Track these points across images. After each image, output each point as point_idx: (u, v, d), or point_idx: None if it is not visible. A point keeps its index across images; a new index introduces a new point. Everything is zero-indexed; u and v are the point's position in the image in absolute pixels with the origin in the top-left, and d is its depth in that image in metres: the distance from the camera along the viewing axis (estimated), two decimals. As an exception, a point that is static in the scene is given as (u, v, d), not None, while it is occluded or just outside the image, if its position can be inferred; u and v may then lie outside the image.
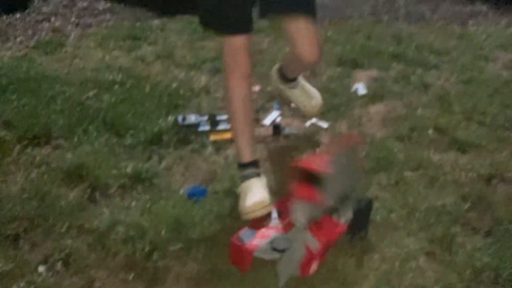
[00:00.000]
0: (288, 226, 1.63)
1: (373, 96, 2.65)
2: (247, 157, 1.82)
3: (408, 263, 1.61)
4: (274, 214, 1.70)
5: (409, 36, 3.40)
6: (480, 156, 2.18)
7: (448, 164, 2.11)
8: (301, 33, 1.77)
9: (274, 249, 1.54)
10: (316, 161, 1.62)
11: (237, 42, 1.71)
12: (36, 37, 3.24)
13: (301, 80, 2.29)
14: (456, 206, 1.86)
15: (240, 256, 1.55)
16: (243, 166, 1.82)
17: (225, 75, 1.79)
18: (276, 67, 2.30)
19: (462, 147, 2.22)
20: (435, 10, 4.09)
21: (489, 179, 2.03)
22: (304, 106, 2.29)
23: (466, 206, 1.87)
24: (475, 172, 2.06)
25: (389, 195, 1.92)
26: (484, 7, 4.11)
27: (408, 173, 2.04)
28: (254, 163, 1.83)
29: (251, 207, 1.69)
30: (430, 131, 2.33)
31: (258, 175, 1.81)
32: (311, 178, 1.54)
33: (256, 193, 1.73)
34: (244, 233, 1.61)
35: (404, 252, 1.65)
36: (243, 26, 1.75)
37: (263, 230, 1.62)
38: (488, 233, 1.74)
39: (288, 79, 2.24)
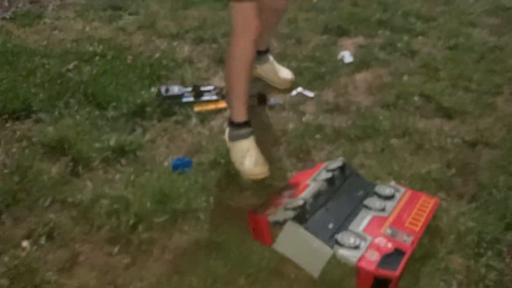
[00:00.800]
0: (301, 191, 1.62)
1: (360, 64, 2.62)
2: (243, 116, 1.87)
3: (393, 230, 1.61)
4: (288, 187, 1.70)
5: (395, 2, 3.35)
6: (465, 122, 2.17)
7: (433, 130, 2.10)
8: None
9: (287, 209, 1.51)
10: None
11: (249, 7, 1.71)
12: (12, 9, 3.14)
13: (270, 56, 2.36)
14: (441, 172, 1.87)
15: (258, 227, 1.54)
16: (238, 125, 1.87)
17: (233, 36, 1.79)
18: None
19: (447, 114, 2.22)
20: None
21: (474, 145, 2.04)
22: (274, 80, 2.36)
23: (451, 172, 1.87)
24: (460, 138, 2.06)
25: (375, 162, 1.91)
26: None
27: (394, 141, 2.03)
28: (248, 123, 1.88)
29: (256, 170, 1.77)
30: (416, 98, 2.32)
31: (252, 133, 1.87)
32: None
33: (257, 156, 1.81)
34: (260, 206, 1.61)
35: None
36: None
37: (276, 201, 1.61)
38: (472, 198, 1.75)
39: (259, 52, 2.20)
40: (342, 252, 1.42)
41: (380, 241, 1.46)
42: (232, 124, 1.89)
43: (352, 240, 1.45)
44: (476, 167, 1.92)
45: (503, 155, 1.97)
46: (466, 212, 1.68)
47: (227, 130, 1.94)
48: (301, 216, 1.49)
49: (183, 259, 1.51)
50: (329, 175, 1.65)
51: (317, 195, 1.56)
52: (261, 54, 2.29)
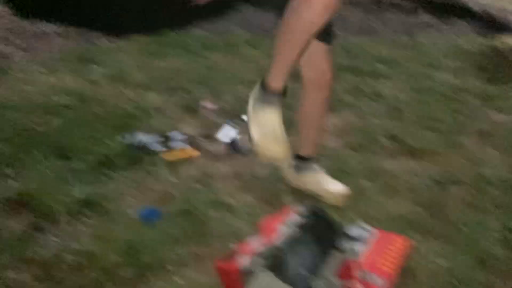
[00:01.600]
0: (271, 236, 1.56)
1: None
2: (279, 83, 1.56)
3: None
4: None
5: (359, 47, 3.46)
6: (433, 162, 2.21)
7: (402, 171, 2.12)
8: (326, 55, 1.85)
9: (259, 258, 1.45)
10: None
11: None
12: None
13: (315, 165, 2.02)
14: (411, 212, 1.87)
15: (229, 278, 1.48)
16: (271, 90, 1.56)
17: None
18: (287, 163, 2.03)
19: (415, 154, 2.25)
20: (385, 22, 4.20)
21: (442, 183, 2.06)
22: (326, 192, 1.95)
23: (421, 211, 1.88)
24: (429, 178, 2.08)
25: (345, 204, 1.91)
26: (429, 18, 4.24)
27: (363, 182, 2.04)
28: (284, 94, 1.59)
29: (274, 147, 1.54)
30: (384, 140, 2.35)
31: (280, 106, 1.58)
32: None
33: (281, 132, 1.55)
34: (228, 254, 1.55)
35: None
36: None
37: (246, 248, 1.54)
38: (442, 236, 1.75)
39: (304, 158, 1.99)
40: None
41: (353, 285, 1.43)
42: (264, 87, 1.57)
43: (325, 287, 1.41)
44: (445, 205, 1.93)
45: (470, 192, 1.99)
46: (437, 251, 1.68)
47: (254, 93, 1.62)
48: (273, 264, 1.45)
49: (151, 314, 1.45)
50: (300, 220, 1.63)
51: (288, 241, 1.53)
52: (303, 161, 1.99)
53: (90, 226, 1.78)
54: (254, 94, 1.63)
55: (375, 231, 1.68)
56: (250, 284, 1.44)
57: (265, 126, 1.56)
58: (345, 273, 1.47)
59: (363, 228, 1.68)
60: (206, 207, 1.86)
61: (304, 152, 1.99)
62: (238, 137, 2.36)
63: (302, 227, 1.61)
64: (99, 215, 1.83)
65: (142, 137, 2.24)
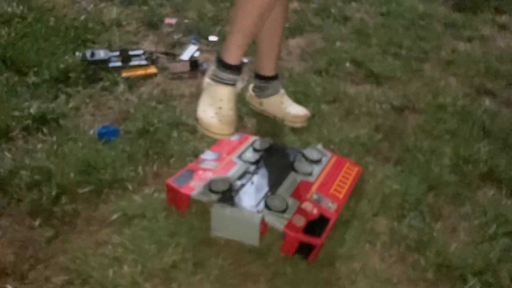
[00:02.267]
0: (225, 168, 1.59)
1: (293, 29, 2.61)
2: (235, 59, 1.57)
3: (321, 194, 1.64)
4: (211, 155, 1.65)
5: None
6: (394, 88, 2.23)
7: (363, 96, 2.14)
8: None
9: (211, 191, 1.49)
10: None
11: None
12: None
13: (282, 89, 1.96)
14: (369, 137, 1.91)
15: (177, 198, 1.50)
16: (225, 66, 1.57)
17: None
18: (251, 85, 2.01)
19: (377, 79, 2.26)
20: None
21: (401, 110, 2.09)
22: (284, 117, 1.92)
23: (378, 137, 1.92)
24: (389, 104, 2.11)
25: (305, 128, 1.92)
26: None
27: (324, 106, 2.05)
28: (238, 69, 1.60)
29: (215, 126, 1.51)
30: (348, 64, 2.34)
31: (235, 85, 1.61)
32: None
33: (227, 112, 1.54)
34: (180, 175, 1.56)
35: (318, 183, 1.68)
36: None
37: (199, 172, 1.57)
38: (397, 162, 1.81)
39: (265, 77, 1.92)
40: (270, 217, 1.43)
41: (306, 206, 1.48)
42: (219, 62, 1.57)
43: (279, 204, 1.46)
44: (403, 131, 1.98)
45: (428, 120, 2.03)
46: (391, 176, 1.73)
47: (210, 69, 1.65)
48: (227, 197, 1.48)
49: (109, 230, 1.46)
50: (256, 156, 1.64)
51: (242, 176, 1.55)
52: (268, 81, 1.92)
53: (46, 143, 1.74)
54: (209, 71, 1.63)
55: (330, 154, 1.72)
56: (211, 219, 1.46)
57: (212, 104, 1.53)
58: (300, 194, 1.52)
59: (320, 152, 1.71)
60: (166, 126, 1.84)
61: (266, 72, 1.93)
62: (199, 54, 2.30)
63: (258, 162, 1.63)
64: (56, 132, 1.79)
65: (100, 52, 2.15)
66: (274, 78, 1.93)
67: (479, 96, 2.23)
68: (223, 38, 2.45)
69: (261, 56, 1.93)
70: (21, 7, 2.48)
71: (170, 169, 1.68)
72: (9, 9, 2.46)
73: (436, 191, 1.69)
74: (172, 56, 2.30)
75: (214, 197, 1.47)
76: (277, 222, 1.42)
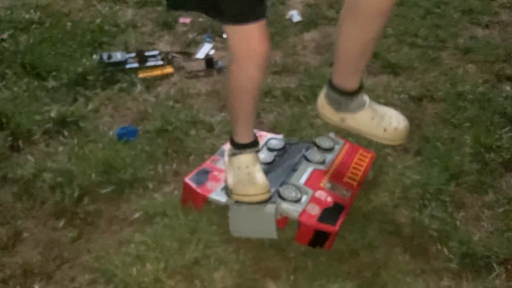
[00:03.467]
0: None
1: (308, 23, 2.60)
2: (248, 138, 1.53)
3: (341, 187, 1.63)
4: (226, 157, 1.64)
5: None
6: (412, 78, 2.20)
7: (380, 87, 2.12)
8: None
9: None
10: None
11: (255, 28, 1.34)
12: None
13: (366, 97, 1.55)
14: (388, 128, 1.89)
15: (194, 197, 1.52)
16: (242, 146, 1.53)
17: (233, 64, 1.42)
18: (322, 92, 1.59)
19: (394, 70, 2.24)
20: None
21: (419, 99, 2.07)
22: (383, 131, 1.52)
23: (397, 127, 1.90)
24: (406, 94, 2.09)
25: (324, 122, 1.91)
26: None
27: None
28: (254, 143, 1.55)
29: (248, 189, 1.44)
30: (363, 56, 2.32)
31: (257, 152, 1.56)
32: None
33: (257, 174, 1.48)
34: (197, 174, 1.57)
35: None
36: (260, 10, 1.38)
37: (215, 173, 1.58)
38: (417, 152, 1.79)
39: (346, 92, 1.51)
40: (284, 206, 1.43)
41: (320, 195, 1.47)
42: (234, 144, 1.54)
43: (293, 194, 1.46)
44: (422, 121, 1.95)
45: (446, 109, 2.00)
46: (411, 166, 1.72)
47: (227, 150, 1.59)
48: None
49: (131, 229, 1.48)
50: (271, 157, 1.64)
51: None
52: (351, 96, 1.52)
53: (67, 146, 1.77)
54: (226, 155, 1.58)
55: (342, 142, 1.70)
56: (230, 220, 1.47)
57: (240, 171, 1.48)
58: (313, 183, 1.51)
59: (333, 140, 1.70)
60: (184, 125, 1.86)
61: (350, 86, 1.51)
62: (214, 52, 2.31)
63: (273, 162, 1.62)
64: (76, 135, 1.82)
65: (117, 54, 2.17)
66: (358, 90, 1.52)
67: (499, 82, 2.19)
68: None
69: (344, 68, 1.51)
70: (38, 13, 2.52)
71: (189, 167, 1.69)
72: (27, 16, 2.50)
73: (458, 180, 1.67)
74: (188, 55, 2.31)
75: (230, 200, 1.47)
76: (292, 211, 1.42)
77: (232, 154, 1.54)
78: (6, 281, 1.33)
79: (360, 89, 1.52)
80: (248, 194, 1.44)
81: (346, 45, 1.45)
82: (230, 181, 1.49)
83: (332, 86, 1.53)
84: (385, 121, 1.52)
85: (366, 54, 1.47)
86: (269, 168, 1.59)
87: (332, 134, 1.73)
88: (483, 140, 1.81)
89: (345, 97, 1.52)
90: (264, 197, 1.44)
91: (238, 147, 1.53)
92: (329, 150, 1.66)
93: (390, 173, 1.69)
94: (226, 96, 1.53)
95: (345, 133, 1.71)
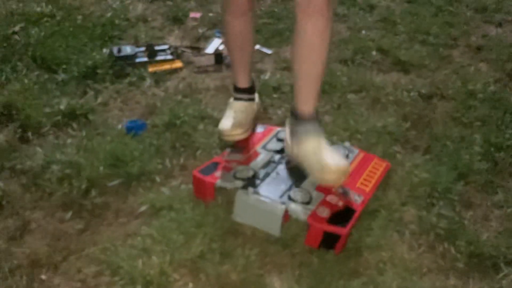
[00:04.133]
0: (250, 158, 1.60)
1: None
2: (242, 83, 1.75)
3: (348, 184, 1.62)
4: (236, 149, 1.67)
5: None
6: (422, 76, 2.18)
7: (390, 85, 2.11)
8: None
9: (236, 178, 1.50)
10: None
11: None
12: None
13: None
14: (397, 126, 1.88)
15: (203, 188, 1.52)
16: (237, 89, 1.76)
17: (222, 12, 1.68)
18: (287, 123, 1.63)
19: (404, 67, 2.22)
20: None
21: (429, 97, 2.05)
22: (318, 169, 1.45)
23: (406, 125, 1.89)
24: (416, 92, 2.07)
25: (331, 118, 1.91)
26: None
27: (350, 96, 2.03)
28: (250, 90, 1.76)
29: (226, 130, 1.66)
30: (374, 53, 2.31)
31: (250, 99, 1.76)
32: None
33: (238, 118, 1.69)
34: (206, 167, 1.57)
35: (345, 173, 1.66)
36: None
37: (225, 163, 1.58)
38: (426, 151, 1.77)
39: (300, 114, 1.52)
40: (293, 207, 1.43)
41: (331, 199, 1.47)
42: (234, 87, 1.78)
43: (303, 196, 1.45)
44: (431, 119, 1.94)
45: (457, 107, 1.99)
46: (420, 164, 1.70)
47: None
48: (251, 184, 1.49)
49: (138, 222, 1.49)
50: (280, 145, 1.64)
51: (266, 165, 1.56)
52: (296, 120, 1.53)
53: (76, 138, 1.78)
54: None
55: (357, 151, 1.69)
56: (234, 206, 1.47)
57: (227, 114, 1.69)
58: (325, 188, 1.51)
59: (347, 148, 1.69)
60: (192, 120, 1.86)
61: (299, 108, 1.53)
62: (223, 47, 2.31)
63: (283, 151, 1.62)
64: (85, 127, 1.83)
65: (127, 48, 2.18)
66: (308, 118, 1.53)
67: (511, 81, 2.16)
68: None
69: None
70: (49, 7, 2.54)
71: (196, 161, 1.70)
72: (38, 9, 2.52)
73: (467, 179, 1.65)
74: (197, 50, 2.31)
75: (239, 183, 1.48)
76: (301, 213, 1.41)
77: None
78: (13, 271, 1.34)
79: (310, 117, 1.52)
80: (222, 132, 1.67)
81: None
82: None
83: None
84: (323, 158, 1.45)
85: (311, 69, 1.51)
86: (279, 158, 1.59)
87: (347, 144, 1.72)
88: (493, 139, 1.79)
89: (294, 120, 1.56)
90: (230, 138, 1.67)
91: (235, 90, 1.75)
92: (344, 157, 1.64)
93: (399, 171, 1.68)
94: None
95: (360, 144, 1.73)
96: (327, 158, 1.44)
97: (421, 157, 1.75)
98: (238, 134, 1.68)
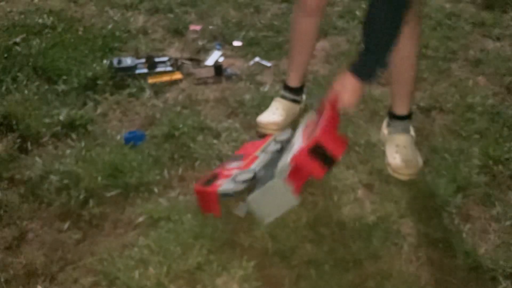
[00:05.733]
0: (249, 163, 1.60)
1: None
2: (292, 82, 1.93)
3: (346, 195, 1.63)
4: (235, 157, 1.68)
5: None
6: (421, 89, 2.19)
7: (389, 97, 2.11)
8: None
9: (236, 182, 1.50)
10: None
11: None
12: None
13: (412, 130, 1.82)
14: (395, 138, 1.88)
15: (207, 200, 1.51)
16: (286, 87, 1.94)
17: (293, 10, 1.87)
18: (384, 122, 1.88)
19: (403, 81, 2.23)
20: None
21: (428, 110, 2.06)
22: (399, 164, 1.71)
23: (405, 138, 1.89)
24: (415, 105, 2.07)
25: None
26: None
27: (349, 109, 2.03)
28: (298, 90, 1.93)
29: (264, 123, 1.86)
30: (373, 66, 2.31)
31: (294, 101, 1.93)
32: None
33: (275, 113, 1.88)
34: (207, 180, 1.57)
35: (343, 184, 1.66)
36: None
37: (225, 172, 1.58)
38: (425, 163, 1.77)
39: (398, 116, 1.80)
40: (278, 168, 1.43)
41: (299, 147, 1.45)
42: (284, 84, 1.95)
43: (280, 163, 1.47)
44: (430, 132, 1.94)
45: (455, 120, 1.99)
46: (418, 176, 1.70)
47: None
48: (253, 187, 1.48)
49: (135, 233, 1.48)
50: (278, 146, 1.64)
51: (266, 166, 1.55)
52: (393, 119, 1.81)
53: (75, 148, 1.78)
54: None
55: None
56: (242, 208, 1.49)
57: (269, 109, 1.90)
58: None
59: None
60: (191, 131, 1.86)
61: (395, 110, 1.80)
62: (223, 60, 2.32)
63: (281, 152, 1.62)
64: (84, 138, 1.83)
65: (127, 60, 2.19)
66: (403, 117, 1.79)
67: (509, 95, 2.17)
68: (247, 43, 2.46)
69: (392, 92, 1.83)
70: (51, 18, 2.55)
71: (195, 173, 1.70)
72: (40, 21, 2.53)
73: (465, 192, 1.66)
74: (197, 62, 2.32)
75: (240, 186, 1.48)
76: (285, 165, 1.43)
77: (280, 95, 1.92)
78: (9, 281, 1.34)
79: (405, 117, 1.80)
80: (260, 125, 1.88)
81: (392, 72, 1.75)
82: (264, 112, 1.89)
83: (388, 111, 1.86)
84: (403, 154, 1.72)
85: (402, 80, 1.75)
86: (275, 160, 1.58)
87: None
88: (492, 153, 1.80)
89: (392, 120, 1.82)
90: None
91: (283, 87, 1.94)
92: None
93: (397, 183, 1.68)
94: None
95: (358, 156, 1.70)
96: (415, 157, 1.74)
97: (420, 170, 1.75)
98: (272, 129, 1.85)
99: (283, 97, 1.94)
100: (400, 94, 1.78)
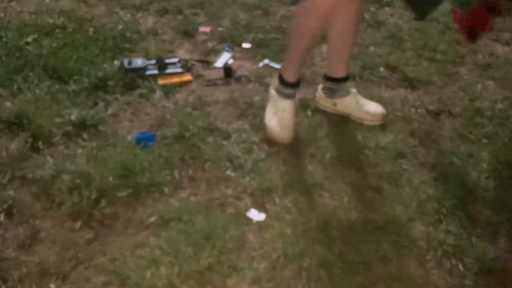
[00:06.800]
0: None
1: (326, 35, 2.60)
2: (293, 77, 1.88)
3: (356, 198, 1.63)
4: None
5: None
6: (430, 92, 2.20)
7: (398, 101, 2.12)
8: None
9: None
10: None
11: None
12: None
13: (353, 88, 2.01)
14: (405, 142, 1.89)
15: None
16: (286, 83, 1.88)
17: (303, 10, 1.76)
18: (319, 87, 2.05)
19: (412, 84, 2.24)
20: None
21: (437, 114, 2.06)
22: (365, 113, 1.96)
23: (414, 141, 1.90)
24: (424, 108, 2.08)
25: (339, 131, 1.92)
26: None
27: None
28: (297, 85, 1.90)
29: (279, 133, 1.85)
30: (382, 69, 2.33)
31: (295, 97, 1.92)
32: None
33: (289, 121, 1.86)
34: None
35: (352, 187, 1.67)
36: None
37: None
38: (434, 167, 1.78)
39: (336, 79, 1.98)
40: None
41: None
42: (281, 78, 1.89)
43: None
44: (439, 136, 1.95)
45: (464, 124, 2.00)
46: (427, 180, 1.71)
47: (274, 80, 1.92)
48: None
49: (147, 233, 1.50)
50: None
51: None
52: (339, 82, 1.98)
53: (86, 148, 1.79)
54: (273, 83, 1.93)
55: None
56: None
57: (277, 113, 1.86)
58: None
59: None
60: (201, 132, 1.87)
61: (338, 74, 1.97)
62: (232, 62, 2.33)
63: None
64: (95, 138, 1.84)
65: (138, 61, 2.21)
66: (345, 79, 1.98)
67: (519, 99, 2.18)
68: (256, 45, 2.47)
69: (332, 58, 1.99)
70: (62, 19, 2.57)
71: (205, 174, 1.71)
72: (51, 21, 2.55)
73: (474, 196, 1.66)
74: (207, 63, 2.33)
75: None
76: None
77: (277, 93, 1.90)
78: (22, 280, 1.35)
79: (346, 78, 1.97)
80: (277, 134, 1.85)
81: (331, 39, 1.93)
82: (267, 116, 1.89)
83: (326, 77, 1.99)
84: (367, 106, 1.96)
85: (346, 45, 1.93)
86: None
87: None
88: (501, 157, 1.80)
89: (333, 83, 1.97)
90: (286, 141, 1.84)
91: (282, 83, 1.88)
92: None
93: (406, 187, 1.69)
94: (289, 37, 1.89)
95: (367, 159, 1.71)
96: (371, 107, 1.96)
97: (429, 174, 1.76)
98: (285, 139, 1.86)
99: (285, 96, 1.89)
100: (344, 58, 1.95)
